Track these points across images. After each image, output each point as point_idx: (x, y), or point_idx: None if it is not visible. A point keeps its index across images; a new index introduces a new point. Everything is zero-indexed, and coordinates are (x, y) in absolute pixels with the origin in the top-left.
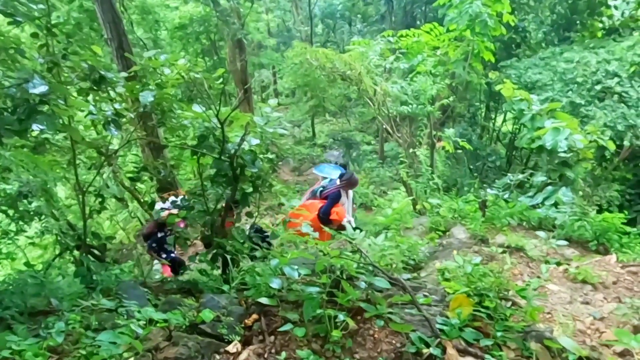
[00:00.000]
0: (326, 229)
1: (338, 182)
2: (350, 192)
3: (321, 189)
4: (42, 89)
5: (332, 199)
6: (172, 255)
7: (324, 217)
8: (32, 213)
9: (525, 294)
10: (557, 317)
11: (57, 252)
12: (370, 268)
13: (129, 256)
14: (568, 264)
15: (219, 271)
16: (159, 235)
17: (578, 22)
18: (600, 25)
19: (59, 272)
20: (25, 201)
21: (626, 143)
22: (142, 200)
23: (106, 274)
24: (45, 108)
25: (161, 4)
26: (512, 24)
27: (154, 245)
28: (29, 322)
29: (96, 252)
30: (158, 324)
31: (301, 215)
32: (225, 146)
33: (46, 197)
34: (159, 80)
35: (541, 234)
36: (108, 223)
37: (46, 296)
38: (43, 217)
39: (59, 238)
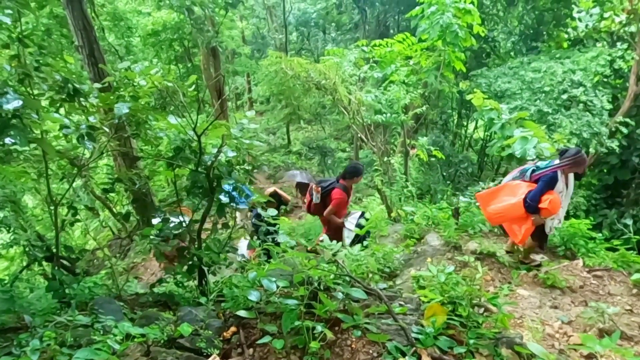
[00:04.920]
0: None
1: (557, 161)
2: (571, 177)
3: (533, 168)
4: (16, 104)
5: (546, 182)
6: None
7: (532, 204)
8: None
9: (496, 301)
10: (527, 322)
11: (25, 263)
12: (347, 279)
13: (100, 267)
14: (537, 269)
15: (195, 282)
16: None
17: (545, 32)
18: (566, 36)
19: (27, 285)
20: None
21: (591, 150)
22: (114, 209)
23: (79, 288)
24: (18, 121)
25: (133, 10)
26: (482, 34)
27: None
28: None
29: (66, 263)
30: (135, 339)
31: (497, 197)
32: (202, 158)
33: (14, 208)
34: (134, 92)
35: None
36: (78, 233)
37: (16, 312)
38: (11, 228)
39: (27, 249)
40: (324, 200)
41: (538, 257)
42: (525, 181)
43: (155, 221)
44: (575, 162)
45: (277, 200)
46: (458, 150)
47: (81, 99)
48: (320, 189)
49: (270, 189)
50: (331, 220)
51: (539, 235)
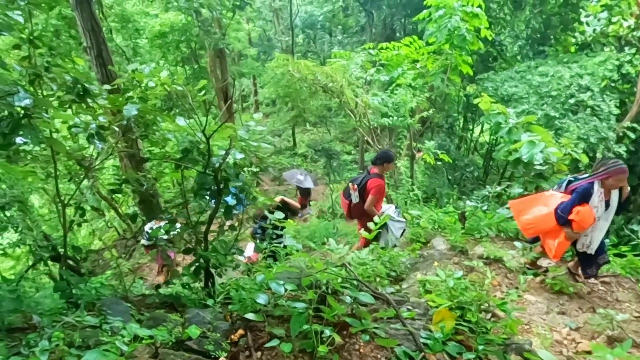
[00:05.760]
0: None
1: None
2: (615, 196)
3: (570, 179)
4: (27, 102)
5: (579, 193)
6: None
7: (563, 216)
8: (4, 223)
9: (505, 307)
10: (535, 328)
11: (30, 263)
12: (355, 282)
13: (105, 267)
14: (545, 275)
15: (202, 284)
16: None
17: (552, 37)
18: (573, 40)
19: (32, 285)
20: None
21: (598, 155)
22: (119, 210)
23: (86, 288)
24: (26, 121)
25: (141, 12)
26: (489, 38)
27: (259, 231)
28: (7, 339)
29: (72, 263)
30: (144, 341)
31: (531, 207)
32: (210, 160)
33: (21, 208)
34: (142, 94)
35: (518, 244)
36: (84, 233)
37: (23, 311)
38: (17, 227)
39: (33, 249)
40: (362, 197)
41: (545, 263)
42: (561, 192)
43: (147, 226)
44: (609, 172)
45: (286, 209)
46: (464, 154)
47: (90, 99)
48: (356, 186)
49: (278, 198)
50: (370, 212)
51: (582, 257)
